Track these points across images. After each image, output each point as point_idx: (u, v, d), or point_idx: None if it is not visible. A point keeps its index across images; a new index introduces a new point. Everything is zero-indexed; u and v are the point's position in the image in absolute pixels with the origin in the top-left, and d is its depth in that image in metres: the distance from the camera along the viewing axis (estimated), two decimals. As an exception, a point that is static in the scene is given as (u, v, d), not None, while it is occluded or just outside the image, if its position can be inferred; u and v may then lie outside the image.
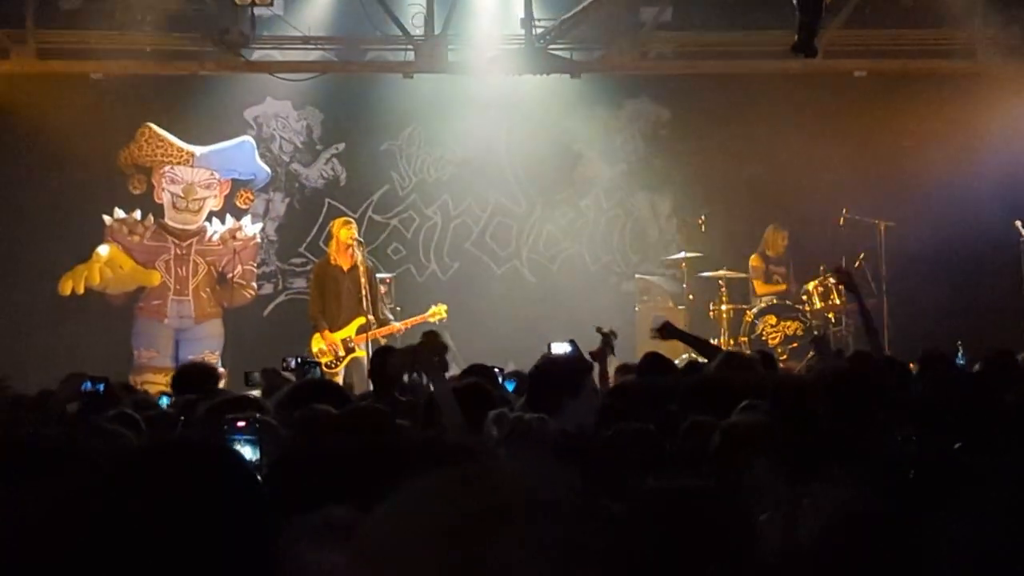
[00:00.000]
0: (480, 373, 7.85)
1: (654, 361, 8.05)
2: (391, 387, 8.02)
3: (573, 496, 2.08)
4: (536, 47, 15.85)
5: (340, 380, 13.42)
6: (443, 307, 14.06)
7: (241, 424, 4.88)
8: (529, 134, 16.84)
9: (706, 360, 8.27)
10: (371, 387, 10.01)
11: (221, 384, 11.55)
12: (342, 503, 3.21)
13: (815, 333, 13.77)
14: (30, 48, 15.30)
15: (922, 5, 15.65)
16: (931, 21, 15.99)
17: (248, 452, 4.76)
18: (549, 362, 7.23)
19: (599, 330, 8.94)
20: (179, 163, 15.70)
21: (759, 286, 15.76)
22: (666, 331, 9.12)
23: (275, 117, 16.58)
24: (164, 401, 9.37)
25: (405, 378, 7.94)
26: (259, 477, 4.48)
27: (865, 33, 16.22)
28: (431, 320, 13.91)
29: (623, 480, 4.28)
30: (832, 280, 14.52)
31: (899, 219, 15.53)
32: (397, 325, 13.86)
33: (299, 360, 9.30)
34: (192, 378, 8.38)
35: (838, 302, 14.88)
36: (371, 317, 13.53)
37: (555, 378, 6.72)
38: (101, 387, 6.81)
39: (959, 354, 12.30)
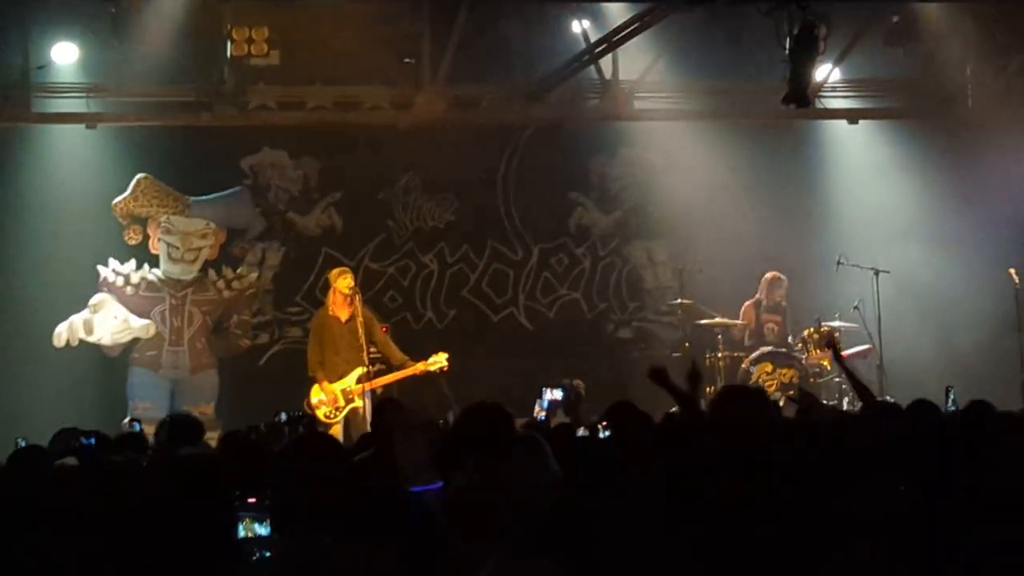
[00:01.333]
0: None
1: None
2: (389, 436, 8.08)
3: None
4: (532, 95, 15.91)
5: (340, 430, 13.45)
6: (443, 355, 13.99)
7: (252, 500, 4.91)
8: (525, 182, 16.86)
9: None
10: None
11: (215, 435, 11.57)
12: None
13: (792, 393, 13.52)
14: (27, 99, 15.34)
15: (913, 53, 15.72)
16: (922, 69, 16.07)
17: (259, 529, 4.79)
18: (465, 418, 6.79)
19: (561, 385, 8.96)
20: (175, 213, 15.71)
21: (738, 331, 15.67)
22: (656, 376, 8.36)
23: (271, 166, 16.57)
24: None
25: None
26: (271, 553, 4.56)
27: (857, 81, 16.31)
28: (431, 368, 13.88)
29: None
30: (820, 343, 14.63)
31: (893, 265, 15.54)
32: (410, 368, 13.80)
33: (288, 415, 9.25)
34: (178, 430, 8.33)
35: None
36: (371, 368, 13.55)
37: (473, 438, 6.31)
38: (92, 441, 6.82)
39: (951, 399, 12.33)
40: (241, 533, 4.77)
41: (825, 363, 15.14)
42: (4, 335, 15.08)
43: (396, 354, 13.93)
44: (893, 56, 15.83)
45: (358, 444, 8.49)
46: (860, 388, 8.46)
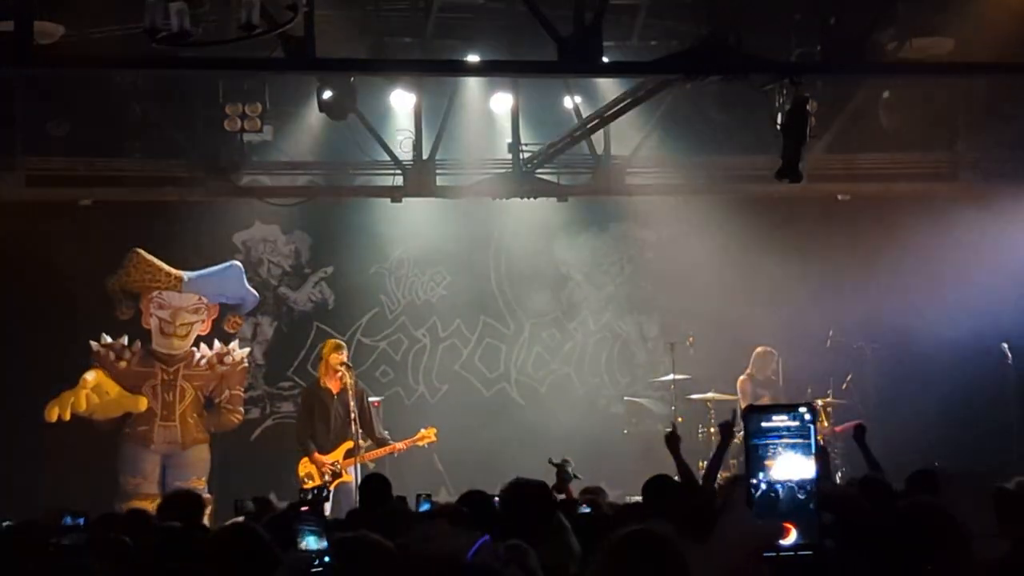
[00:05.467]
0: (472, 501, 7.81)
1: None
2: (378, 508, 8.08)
3: None
4: (523, 171, 15.98)
5: (327, 504, 13.34)
6: (432, 430, 13.94)
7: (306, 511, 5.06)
8: (517, 257, 16.92)
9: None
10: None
11: (207, 511, 11.50)
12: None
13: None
14: (19, 175, 15.37)
15: (904, 129, 15.80)
16: (913, 144, 16.17)
17: (316, 542, 4.90)
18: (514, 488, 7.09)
19: (551, 462, 9.05)
20: (167, 288, 15.65)
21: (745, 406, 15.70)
22: (671, 441, 8.98)
23: (263, 241, 16.63)
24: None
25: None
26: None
27: (848, 157, 16.39)
28: (420, 444, 13.83)
29: None
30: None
31: (885, 340, 15.53)
32: (398, 445, 13.75)
33: (316, 490, 9.16)
34: (177, 506, 8.33)
35: (825, 425, 14.85)
36: (361, 442, 13.43)
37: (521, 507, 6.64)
38: (82, 521, 6.78)
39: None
40: (303, 545, 4.88)
41: (818, 439, 15.06)
42: (-4, 410, 15.02)
43: (375, 432, 13.81)
44: (884, 132, 15.90)
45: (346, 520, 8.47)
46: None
